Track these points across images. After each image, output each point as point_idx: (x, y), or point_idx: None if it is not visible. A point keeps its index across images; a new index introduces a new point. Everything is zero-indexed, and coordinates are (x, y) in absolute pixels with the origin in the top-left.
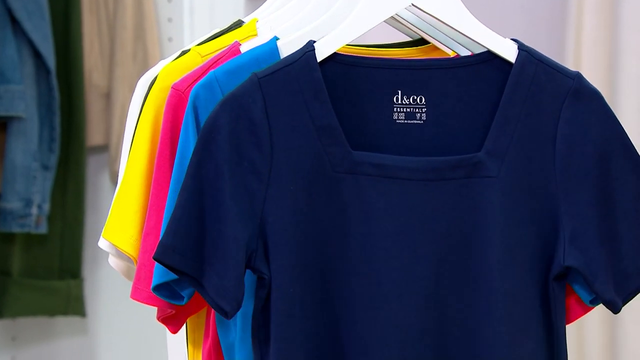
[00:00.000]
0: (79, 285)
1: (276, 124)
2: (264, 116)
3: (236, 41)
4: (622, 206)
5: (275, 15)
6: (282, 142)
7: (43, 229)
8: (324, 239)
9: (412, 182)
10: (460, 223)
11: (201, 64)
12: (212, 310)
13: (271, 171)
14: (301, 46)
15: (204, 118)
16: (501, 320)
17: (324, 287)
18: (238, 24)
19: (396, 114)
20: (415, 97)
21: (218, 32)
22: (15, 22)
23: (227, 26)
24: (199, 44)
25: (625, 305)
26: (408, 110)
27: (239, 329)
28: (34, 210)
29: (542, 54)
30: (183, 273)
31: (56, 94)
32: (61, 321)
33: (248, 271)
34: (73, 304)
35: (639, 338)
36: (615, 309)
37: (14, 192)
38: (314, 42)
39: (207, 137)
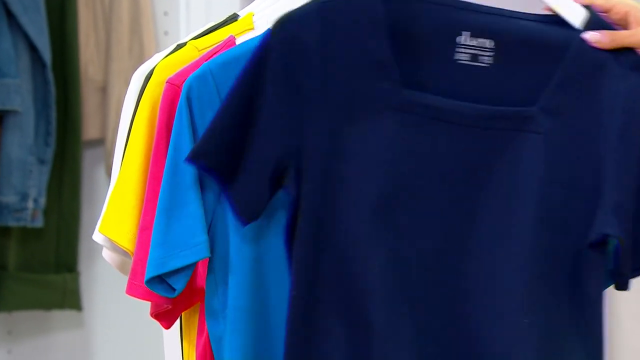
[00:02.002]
0: (75, 279)
1: (329, 52)
2: (318, 42)
3: (231, 35)
4: None
5: (272, 8)
6: (332, 71)
7: (39, 223)
8: (359, 172)
9: (460, 127)
10: (501, 175)
11: (197, 59)
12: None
13: (317, 97)
14: None
15: (198, 110)
16: (532, 276)
17: (352, 217)
18: (234, 17)
19: (459, 54)
20: (484, 40)
21: (213, 26)
22: (10, 16)
23: (222, 20)
24: (194, 38)
25: (622, 300)
26: (473, 52)
27: (229, 321)
28: (30, 204)
29: (612, 24)
30: (213, 172)
31: (52, 87)
32: (57, 315)
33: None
34: (69, 298)
35: (636, 333)
36: (624, 283)
37: (10, 186)
38: None
39: (258, 54)
